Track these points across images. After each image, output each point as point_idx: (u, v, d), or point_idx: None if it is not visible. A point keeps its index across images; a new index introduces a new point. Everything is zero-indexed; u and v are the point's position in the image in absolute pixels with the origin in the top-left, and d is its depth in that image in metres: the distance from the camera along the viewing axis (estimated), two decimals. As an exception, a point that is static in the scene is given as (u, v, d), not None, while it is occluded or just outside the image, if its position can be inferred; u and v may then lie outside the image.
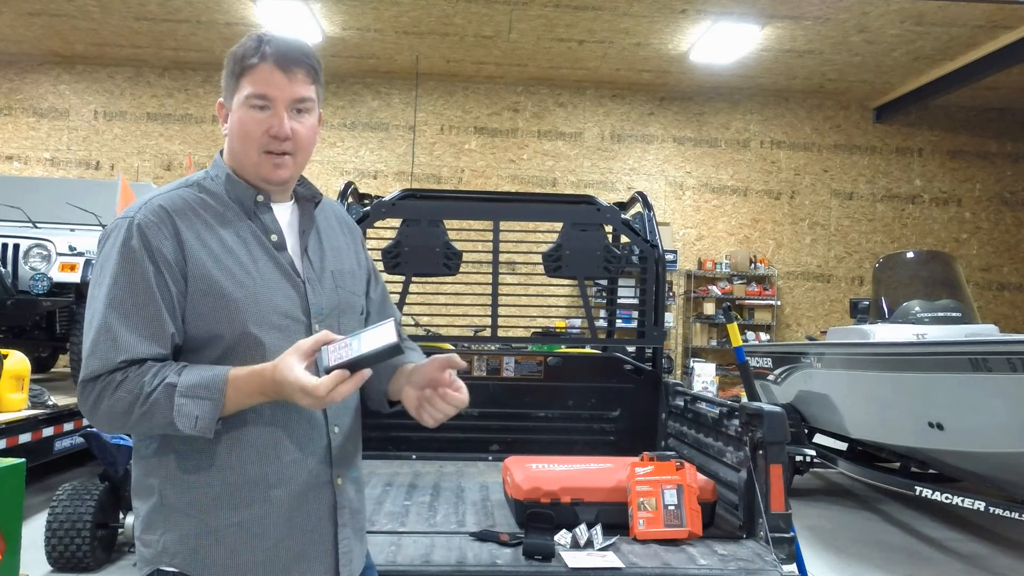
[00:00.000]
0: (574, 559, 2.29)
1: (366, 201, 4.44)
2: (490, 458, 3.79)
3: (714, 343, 10.70)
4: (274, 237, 1.46)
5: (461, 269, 3.91)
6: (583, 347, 4.70)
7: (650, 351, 4.10)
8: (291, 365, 1.24)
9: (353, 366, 1.24)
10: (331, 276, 1.51)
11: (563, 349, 4.53)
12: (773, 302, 10.71)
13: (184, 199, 1.42)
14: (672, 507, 2.51)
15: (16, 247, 5.59)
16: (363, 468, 1.61)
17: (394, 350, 1.25)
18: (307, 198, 1.55)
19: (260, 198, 1.46)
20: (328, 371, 1.24)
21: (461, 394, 1.39)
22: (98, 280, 1.37)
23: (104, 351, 1.30)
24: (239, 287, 1.38)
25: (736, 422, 2.75)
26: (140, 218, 1.36)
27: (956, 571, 4.70)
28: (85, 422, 5.27)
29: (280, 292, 1.42)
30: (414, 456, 3.74)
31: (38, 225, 6.18)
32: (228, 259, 1.39)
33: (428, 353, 1.36)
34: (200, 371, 1.30)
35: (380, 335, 1.25)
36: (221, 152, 1.51)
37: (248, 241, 1.43)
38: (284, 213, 1.51)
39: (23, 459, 3.22)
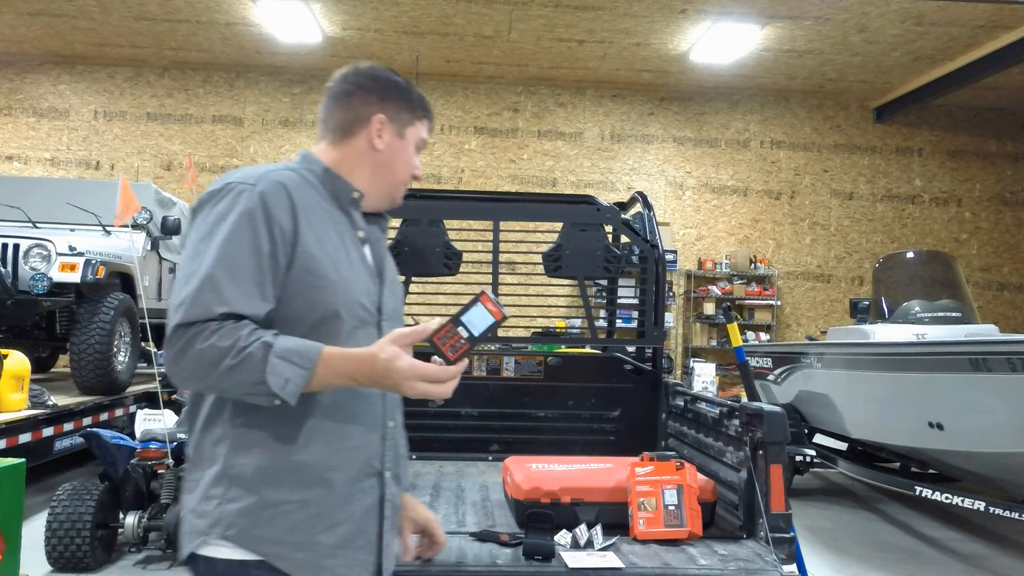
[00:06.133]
0: (574, 559, 2.29)
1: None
2: (490, 458, 3.78)
3: (714, 343, 10.69)
4: (361, 233, 1.55)
5: (461, 269, 3.91)
6: (583, 347, 4.70)
7: (650, 351, 4.10)
8: (397, 354, 1.30)
9: (469, 351, 1.34)
10: (391, 283, 1.60)
11: (563, 349, 4.53)
12: (773, 302, 10.70)
13: (297, 180, 1.47)
14: (672, 507, 2.51)
15: (16, 247, 5.58)
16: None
17: (498, 324, 1.35)
18: (376, 210, 1.63)
19: (356, 194, 1.54)
20: (453, 362, 1.33)
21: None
22: (207, 235, 1.36)
23: (207, 300, 1.31)
24: (336, 271, 1.43)
25: (736, 422, 2.74)
26: (264, 188, 1.39)
27: (956, 571, 4.70)
28: (85, 422, 5.27)
29: (365, 284, 1.49)
30: (414, 456, 3.72)
31: (38, 225, 6.19)
32: (329, 243, 1.45)
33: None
34: (294, 340, 1.33)
35: (482, 314, 1.34)
36: (309, 150, 1.57)
37: (343, 232, 1.50)
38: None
39: (23, 459, 3.23)
